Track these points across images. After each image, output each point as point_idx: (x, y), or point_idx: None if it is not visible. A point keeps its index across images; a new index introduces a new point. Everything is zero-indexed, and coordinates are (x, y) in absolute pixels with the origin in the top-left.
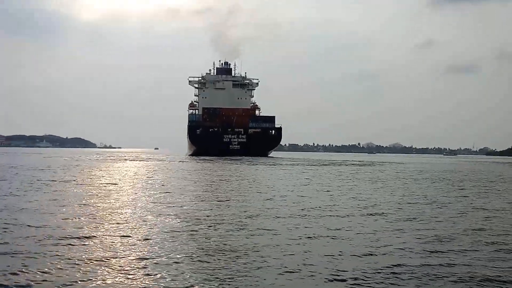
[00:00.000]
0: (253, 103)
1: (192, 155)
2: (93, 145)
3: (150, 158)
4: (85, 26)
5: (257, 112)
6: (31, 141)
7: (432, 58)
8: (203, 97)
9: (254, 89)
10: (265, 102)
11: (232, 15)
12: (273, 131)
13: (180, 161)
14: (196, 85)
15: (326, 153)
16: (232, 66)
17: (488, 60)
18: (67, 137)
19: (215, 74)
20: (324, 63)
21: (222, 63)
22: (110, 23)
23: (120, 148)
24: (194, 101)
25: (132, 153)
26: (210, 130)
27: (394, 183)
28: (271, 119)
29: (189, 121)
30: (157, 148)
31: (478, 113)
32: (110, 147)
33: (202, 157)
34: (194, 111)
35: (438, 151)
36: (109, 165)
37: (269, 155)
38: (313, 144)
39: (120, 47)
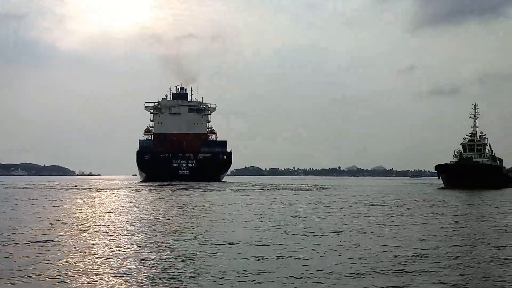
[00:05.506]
0: (210, 128)
1: (143, 181)
2: (71, 173)
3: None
4: (67, 53)
5: (213, 137)
6: (6, 169)
7: (415, 83)
8: (158, 123)
9: (210, 114)
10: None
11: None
12: (224, 156)
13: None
14: (152, 111)
15: (303, 177)
16: (188, 91)
17: (470, 82)
18: (44, 165)
19: (171, 99)
20: (305, 89)
21: (178, 88)
22: (93, 49)
23: (99, 175)
24: (150, 127)
25: (103, 181)
26: (161, 155)
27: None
28: (223, 143)
29: (138, 147)
30: (135, 175)
31: (460, 135)
32: (90, 174)
33: (149, 184)
34: (149, 136)
35: (418, 173)
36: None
37: (222, 180)
38: (294, 168)
39: (103, 73)
